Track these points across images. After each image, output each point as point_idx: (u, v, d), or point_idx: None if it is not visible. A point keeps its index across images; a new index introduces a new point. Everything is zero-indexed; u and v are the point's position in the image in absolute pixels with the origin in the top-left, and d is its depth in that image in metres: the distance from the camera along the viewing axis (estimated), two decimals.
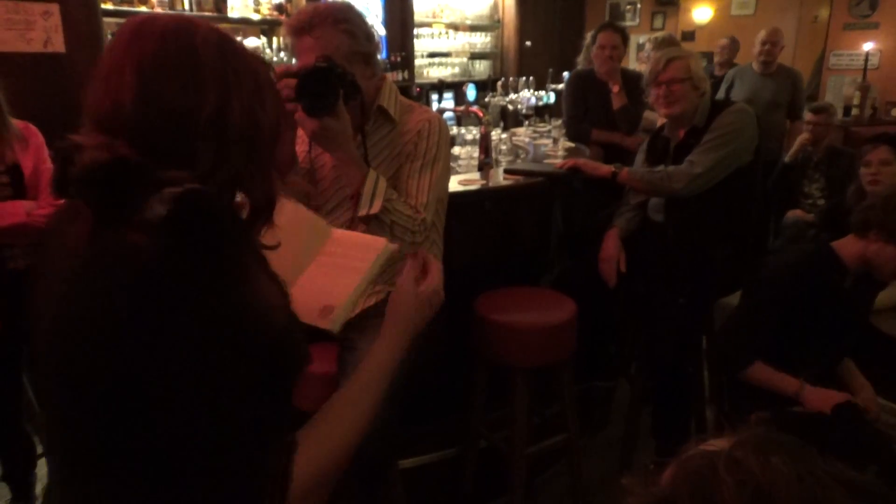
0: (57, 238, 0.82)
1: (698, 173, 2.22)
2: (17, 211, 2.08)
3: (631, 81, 3.29)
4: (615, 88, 3.33)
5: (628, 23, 6.94)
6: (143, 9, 3.62)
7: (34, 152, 2.17)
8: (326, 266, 1.36)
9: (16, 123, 2.14)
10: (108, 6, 3.34)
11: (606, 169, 2.45)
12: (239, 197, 0.84)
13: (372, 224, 1.61)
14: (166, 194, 0.73)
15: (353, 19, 1.62)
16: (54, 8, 2.71)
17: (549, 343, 1.99)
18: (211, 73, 0.79)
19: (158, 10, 3.72)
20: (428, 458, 2.28)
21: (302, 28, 1.59)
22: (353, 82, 1.53)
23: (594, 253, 2.42)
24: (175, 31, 0.80)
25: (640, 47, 4.24)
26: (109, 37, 3.39)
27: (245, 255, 0.81)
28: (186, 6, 3.85)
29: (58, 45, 2.74)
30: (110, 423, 0.69)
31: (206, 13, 3.96)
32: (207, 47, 0.80)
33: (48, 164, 2.21)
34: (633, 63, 5.71)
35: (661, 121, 2.66)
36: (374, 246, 1.46)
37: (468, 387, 2.15)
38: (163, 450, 0.69)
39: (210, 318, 0.72)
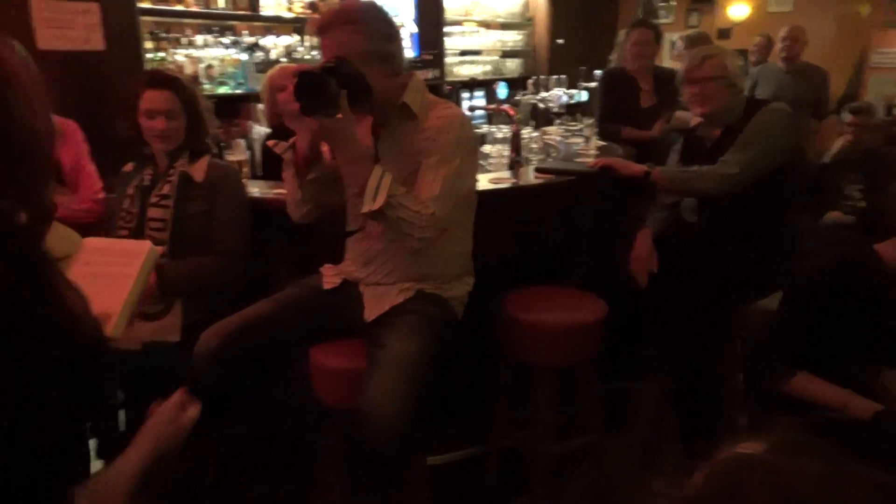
0: None
1: (732, 173, 2.18)
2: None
3: (664, 79, 3.24)
4: (645, 87, 3.29)
5: (662, 20, 6.84)
6: (180, 7, 3.69)
7: (73, 148, 2.23)
8: (88, 276, 1.33)
9: (56, 120, 2.19)
10: (145, 4, 3.40)
11: (639, 168, 2.42)
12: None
13: (378, 220, 1.62)
14: None
15: (369, 19, 1.63)
16: (94, 7, 2.78)
17: (577, 343, 1.98)
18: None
19: (194, 8, 3.78)
20: (453, 455, 2.29)
21: (321, 28, 1.64)
22: (361, 82, 1.55)
23: (624, 253, 2.39)
24: None
25: (673, 45, 4.19)
26: (147, 35, 3.46)
27: (44, 267, 0.79)
28: (222, 4, 3.91)
29: (97, 42, 2.81)
30: None
31: (240, 11, 4.01)
32: None
33: (87, 160, 2.27)
34: (666, 61, 5.64)
35: (694, 120, 2.62)
36: (138, 251, 1.47)
37: (493, 385, 2.15)
38: None
39: (24, 335, 0.71)
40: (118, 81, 2.51)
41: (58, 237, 1.36)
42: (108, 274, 1.34)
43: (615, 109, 3.45)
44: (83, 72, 2.74)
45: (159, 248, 1.39)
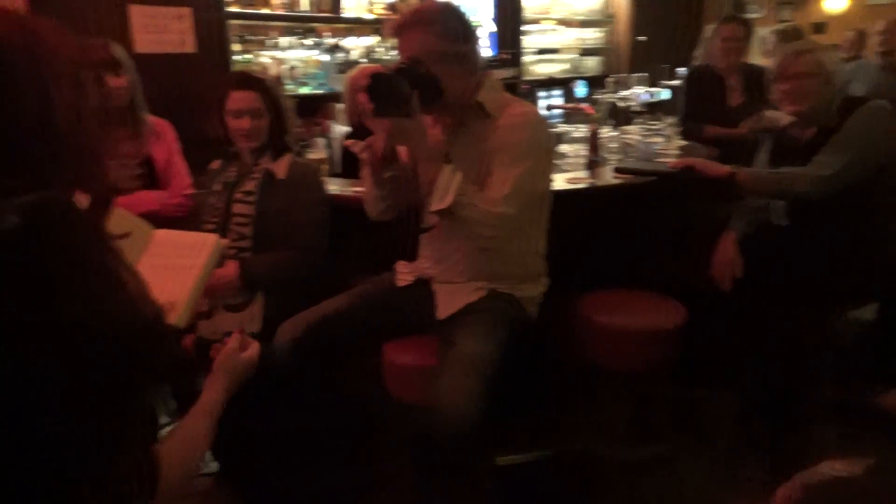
0: None
1: (827, 175, 2.07)
2: (150, 199, 2.26)
3: (753, 76, 3.11)
4: (734, 85, 3.16)
5: (752, 15, 6.55)
6: (266, 10, 3.81)
7: (167, 146, 2.35)
8: (156, 267, 1.36)
9: (150, 119, 2.32)
10: (234, 9, 3.54)
11: (724, 169, 2.33)
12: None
13: (447, 218, 1.62)
14: (17, 203, 0.70)
15: (445, 20, 1.64)
16: (187, 12, 2.91)
17: (654, 348, 1.92)
18: (24, 71, 0.75)
19: (280, 11, 3.91)
20: (523, 456, 2.27)
21: (397, 30, 1.67)
22: (433, 83, 1.56)
23: (706, 256, 2.31)
24: None
25: (764, 40, 4.00)
26: (235, 38, 3.61)
27: (104, 253, 0.79)
28: (305, 7, 4.02)
29: (189, 45, 2.95)
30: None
31: (323, 13, 4.11)
32: (12, 44, 0.75)
33: (178, 157, 2.39)
34: (755, 58, 5.40)
35: (785, 119, 2.50)
36: (204, 243, 1.49)
37: (567, 387, 2.12)
38: (36, 454, 0.70)
39: (82, 322, 0.71)
40: (208, 82, 2.63)
41: (131, 230, 1.44)
42: (176, 265, 1.39)
43: (699, 108, 3.32)
44: (176, 73, 2.88)
45: (224, 241, 1.44)
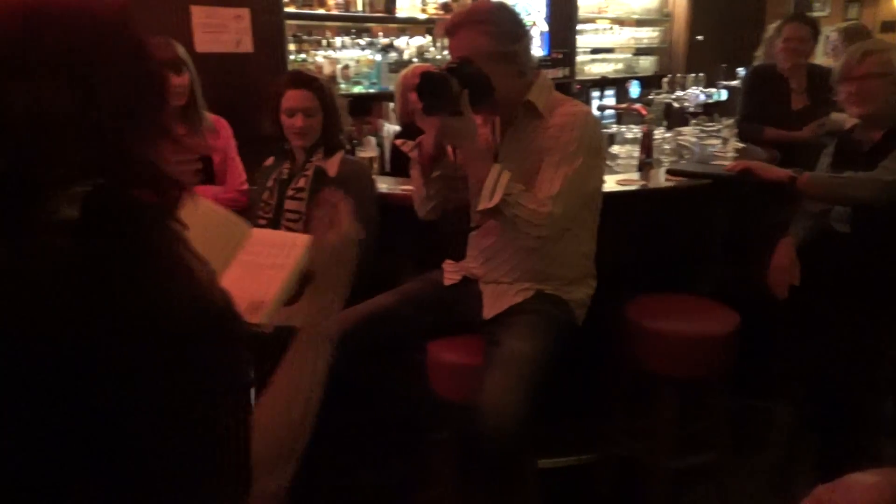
0: None
1: (892, 181, 1.98)
2: (205, 194, 2.32)
3: (818, 78, 3.00)
4: (797, 87, 3.05)
5: (817, 13, 6.33)
6: (321, 11, 3.88)
7: (224, 143, 2.42)
8: (249, 265, 1.37)
9: (208, 116, 2.39)
10: (291, 9, 3.60)
11: (783, 173, 2.25)
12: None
13: (495, 217, 1.62)
14: (74, 193, 0.68)
15: (497, 20, 1.64)
16: (245, 12, 2.98)
17: (706, 355, 1.88)
18: (44, 64, 0.71)
19: (335, 11, 3.96)
20: (566, 460, 2.25)
21: (449, 30, 1.68)
22: (484, 82, 1.56)
23: (762, 262, 2.24)
24: (26, 21, 0.71)
25: (828, 39, 3.85)
26: (291, 38, 3.68)
27: (169, 242, 0.77)
28: (360, 7, 4.07)
29: (247, 45, 3.02)
30: (66, 442, 0.67)
31: (377, 13, 4.15)
32: (66, 36, 0.71)
33: (234, 154, 2.45)
34: (819, 58, 5.21)
35: (850, 122, 2.41)
36: (297, 243, 1.45)
37: (612, 391, 2.09)
38: (127, 460, 0.67)
39: (151, 312, 0.69)
40: (264, 82, 2.68)
41: (225, 228, 1.47)
42: (266, 264, 1.41)
43: (759, 110, 3.21)
44: (233, 72, 2.95)
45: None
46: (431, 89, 1.52)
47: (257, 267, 1.39)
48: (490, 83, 1.58)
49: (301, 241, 1.46)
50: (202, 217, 1.43)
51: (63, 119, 0.71)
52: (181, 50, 2.31)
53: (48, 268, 0.67)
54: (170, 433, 0.70)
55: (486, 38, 1.62)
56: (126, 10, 0.77)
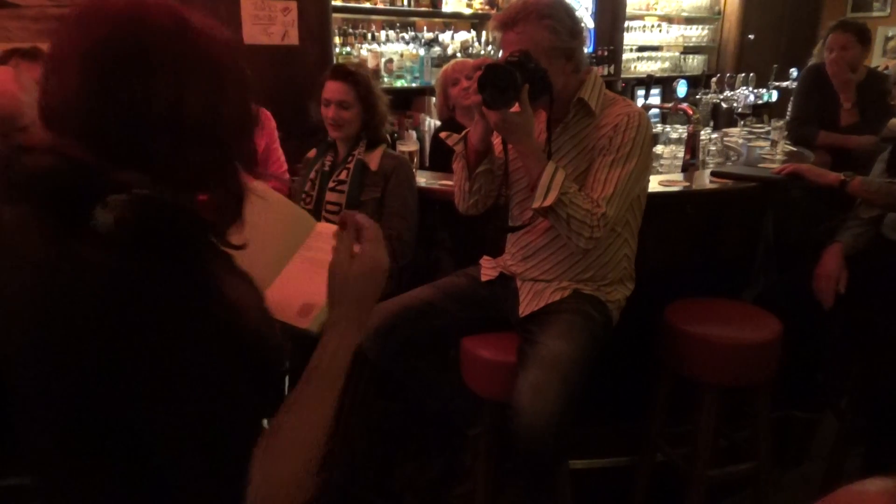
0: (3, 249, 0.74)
1: None
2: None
3: (875, 83, 2.88)
4: (846, 103, 2.93)
5: (876, 13, 6.11)
6: (367, 4, 3.90)
7: (267, 134, 2.46)
8: (309, 261, 1.31)
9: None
10: (338, 2, 3.63)
11: (834, 177, 2.19)
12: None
13: (547, 217, 1.60)
14: (111, 202, 0.67)
15: (558, 15, 1.62)
16: (292, 5, 3.02)
17: (748, 363, 1.83)
18: (162, 62, 0.72)
19: (381, 5, 3.98)
20: (600, 462, 2.22)
21: (506, 23, 1.64)
22: (543, 78, 1.54)
23: (809, 269, 2.18)
24: (124, 16, 0.72)
25: (887, 40, 3.71)
26: (337, 31, 3.71)
27: (208, 259, 0.76)
28: (406, 2, 4.08)
29: (293, 38, 3.05)
30: (86, 441, 0.69)
31: (422, 8, 4.16)
32: (160, 35, 0.73)
33: (276, 144, 2.49)
34: (877, 59, 5.03)
35: None
36: None
37: (650, 395, 2.06)
38: (138, 464, 0.68)
39: (175, 331, 0.68)
40: (309, 74, 2.71)
41: (291, 220, 1.46)
42: (325, 262, 1.38)
43: (813, 112, 3.10)
44: (278, 65, 2.99)
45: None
46: (495, 82, 1.50)
47: (317, 264, 1.35)
48: (548, 79, 1.57)
49: None
50: (271, 208, 1.43)
51: (194, 119, 0.73)
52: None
53: (79, 279, 0.67)
54: (176, 452, 0.69)
55: (547, 32, 1.60)
56: (239, 45, 0.82)
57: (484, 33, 4.40)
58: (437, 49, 4.20)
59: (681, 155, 2.63)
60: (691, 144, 2.54)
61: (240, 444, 0.72)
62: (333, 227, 1.47)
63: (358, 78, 2.09)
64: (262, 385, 0.78)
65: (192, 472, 0.69)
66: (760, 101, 3.95)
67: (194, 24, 0.76)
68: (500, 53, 1.69)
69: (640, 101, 5.08)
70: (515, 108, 1.52)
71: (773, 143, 2.94)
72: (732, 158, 2.89)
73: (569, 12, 1.67)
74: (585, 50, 4.75)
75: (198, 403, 0.69)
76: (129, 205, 0.68)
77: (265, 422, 0.81)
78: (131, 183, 0.70)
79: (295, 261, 1.35)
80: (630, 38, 5.36)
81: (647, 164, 1.70)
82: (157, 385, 0.67)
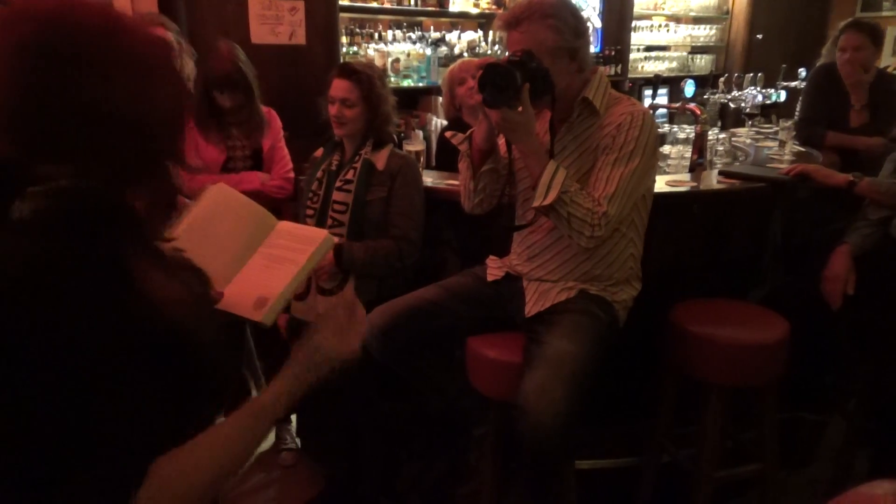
0: None
1: None
2: (253, 180, 2.38)
3: (885, 84, 2.86)
4: (857, 104, 2.91)
5: (886, 13, 6.06)
6: (374, 4, 3.90)
7: (273, 133, 2.46)
8: (268, 257, 1.37)
9: (260, 109, 2.43)
10: (345, 2, 3.64)
11: (842, 178, 2.18)
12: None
13: (548, 215, 1.60)
14: (30, 193, 0.69)
15: (561, 14, 1.62)
16: (300, 4, 3.03)
17: (754, 363, 1.82)
18: (89, 60, 0.74)
19: (388, 5, 3.98)
20: (606, 462, 2.22)
21: (510, 23, 1.65)
22: (545, 78, 1.54)
23: (816, 270, 2.17)
24: (53, 15, 0.74)
25: None
26: (343, 31, 3.71)
27: (129, 251, 0.77)
28: (412, 2, 4.08)
29: (300, 38, 3.06)
30: None
31: (429, 7, 4.16)
32: (87, 33, 0.75)
33: (282, 143, 2.49)
34: (887, 59, 4.99)
35: None
36: (313, 238, 1.44)
37: (656, 396, 2.05)
38: (34, 455, 0.68)
39: (73, 319, 0.69)
40: (316, 74, 2.72)
41: (254, 219, 1.49)
42: (283, 258, 1.41)
43: (822, 112, 3.08)
44: (285, 64, 3.00)
45: (337, 238, 1.39)
46: (495, 81, 1.50)
47: (275, 260, 1.40)
48: (551, 78, 1.57)
49: (319, 235, 1.46)
50: (234, 208, 1.47)
51: (118, 115, 0.75)
52: (242, 56, 2.33)
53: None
54: (58, 440, 0.68)
55: (550, 32, 1.60)
56: (170, 44, 0.84)
57: (491, 33, 4.39)
58: (443, 49, 4.20)
59: (688, 155, 2.62)
60: (699, 144, 2.53)
61: (130, 438, 0.72)
62: (293, 225, 1.50)
63: (362, 77, 2.09)
64: (179, 381, 0.78)
65: (72, 463, 0.69)
66: (768, 102, 3.93)
67: (125, 24, 0.78)
68: (507, 53, 1.69)
69: (647, 101, 5.07)
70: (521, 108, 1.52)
71: (782, 144, 2.93)
72: (740, 159, 2.88)
73: (573, 12, 1.67)
74: (591, 50, 4.77)
75: (87, 393, 0.69)
76: (46, 196, 0.70)
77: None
78: (55, 176, 0.71)
79: (255, 257, 1.39)
80: (637, 38, 5.35)
81: (651, 164, 1.70)
82: (48, 371, 0.67)
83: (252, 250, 1.42)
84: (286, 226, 1.51)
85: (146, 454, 0.72)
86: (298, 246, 1.43)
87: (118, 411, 0.71)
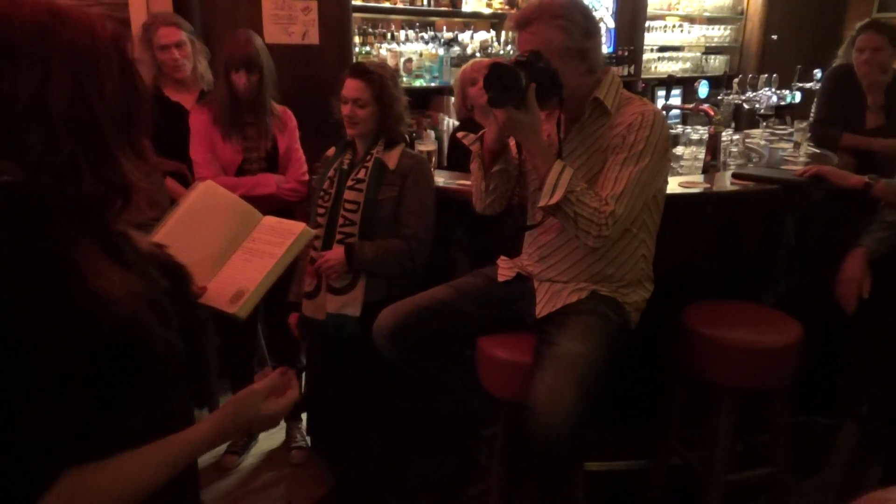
0: None
1: None
2: (269, 182, 2.39)
3: None
4: (873, 105, 2.88)
5: None
6: (387, 4, 3.91)
7: (288, 134, 2.47)
8: (249, 251, 1.40)
9: (276, 108, 2.44)
10: (357, 2, 3.64)
11: (858, 179, 2.15)
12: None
13: (555, 215, 1.60)
14: None
15: (571, 15, 1.61)
16: (313, 4, 3.04)
17: (766, 366, 1.81)
18: (29, 56, 0.75)
19: (400, 5, 3.99)
20: (616, 464, 2.21)
21: (520, 23, 1.65)
22: (553, 78, 1.54)
23: (831, 273, 2.15)
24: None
25: None
26: (356, 30, 3.72)
27: (77, 245, 0.77)
28: (425, 2, 4.08)
29: (313, 37, 3.07)
30: None
31: (442, 7, 4.16)
32: (27, 31, 0.76)
33: (297, 145, 2.50)
34: None
35: None
36: (292, 230, 1.45)
37: (667, 398, 2.04)
38: None
39: (23, 316, 0.70)
40: (328, 74, 2.73)
41: (239, 215, 1.50)
42: (263, 252, 1.43)
43: (838, 114, 3.05)
44: (299, 64, 3.01)
45: (315, 231, 1.40)
46: (500, 81, 1.50)
47: (256, 254, 1.42)
48: (559, 79, 1.56)
49: (297, 228, 1.48)
50: (219, 205, 1.49)
51: (61, 109, 0.76)
52: (259, 43, 2.35)
53: None
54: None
55: (559, 32, 1.60)
56: (122, 37, 0.84)
57: (503, 33, 4.39)
58: (456, 49, 4.20)
59: (701, 156, 2.60)
60: (712, 146, 2.52)
61: (45, 438, 0.72)
62: (276, 219, 1.52)
63: (373, 77, 2.10)
64: (123, 375, 0.79)
65: None
66: (783, 103, 3.90)
67: (71, 19, 0.79)
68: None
69: (660, 102, 5.05)
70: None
71: (796, 145, 2.91)
72: (754, 160, 2.86)
73: (584, 12, 1.66)
74: (605, 50, 4.75)
75: (11, 381, 0.70)
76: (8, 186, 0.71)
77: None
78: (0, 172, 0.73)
79: (238, 252, 1.42)
80: (651, 38, 5.32)
81: (661, 164, 1.69)
82: None
83: (237, 246, 1.45)
84: (269, 220, 1.53)
85: (61, 458, 0.73)
86: (277, 239, 1.45)
87: (35, 408, 0.71)
